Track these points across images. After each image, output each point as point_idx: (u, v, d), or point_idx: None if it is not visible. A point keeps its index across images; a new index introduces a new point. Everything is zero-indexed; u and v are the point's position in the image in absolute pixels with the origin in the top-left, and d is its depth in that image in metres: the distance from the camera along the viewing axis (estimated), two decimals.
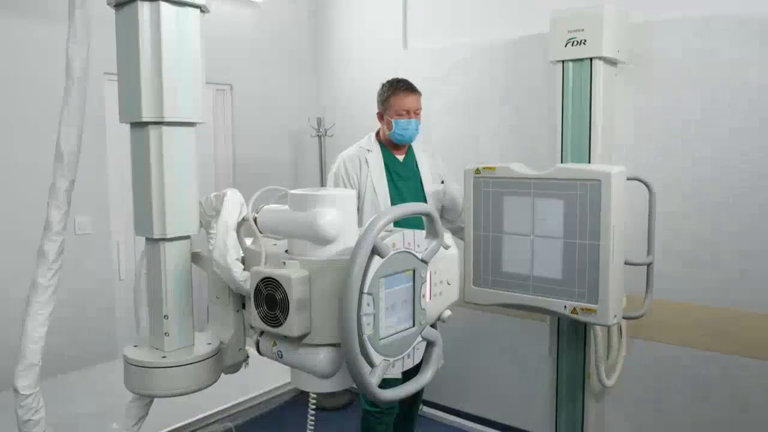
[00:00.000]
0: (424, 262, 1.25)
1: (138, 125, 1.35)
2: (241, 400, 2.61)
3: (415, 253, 1.22)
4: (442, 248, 1.41)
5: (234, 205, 1.35)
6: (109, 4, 1.35)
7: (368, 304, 1.12)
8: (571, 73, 2.89)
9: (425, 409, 3.90)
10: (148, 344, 1.39)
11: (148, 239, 1.39)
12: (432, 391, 3.78)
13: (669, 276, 3.01)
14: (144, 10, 1.29)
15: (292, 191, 1.28)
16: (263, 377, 2.74)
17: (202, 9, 1.38)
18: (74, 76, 1.34)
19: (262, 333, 1.33)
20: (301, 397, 2.88)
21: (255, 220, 1.33)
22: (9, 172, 3.02)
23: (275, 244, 1.35)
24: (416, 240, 1.23)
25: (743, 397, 2.91)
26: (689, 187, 2.97)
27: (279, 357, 1.29)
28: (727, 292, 2.91)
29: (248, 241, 1.37)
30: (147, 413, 1.50)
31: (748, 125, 2.82)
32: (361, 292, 1.10)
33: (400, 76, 2.95)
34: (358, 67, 4.23)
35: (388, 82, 2.90)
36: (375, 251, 1.12)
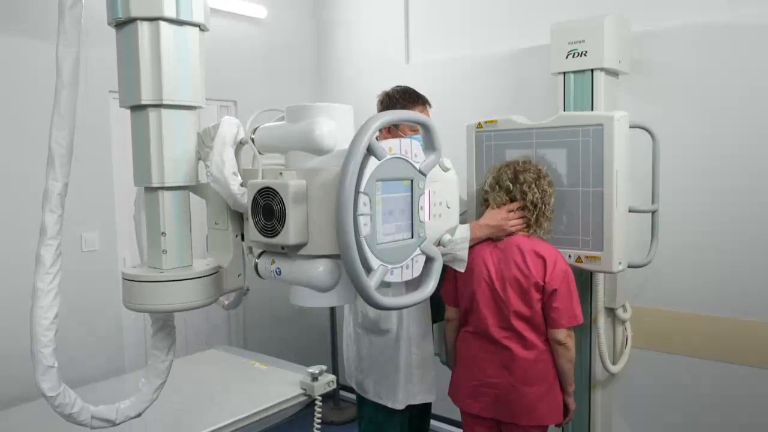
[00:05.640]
0: (422, 173, 1.24)
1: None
2: (245, 415, 2.62)
3: (412, 162, 1.22)
4: (441, 171, 1.41)
5: (231, 126, 1.36)
6: (109, 24, 1.38)
7: (365, 204, 1.12)
8: (572, 85, 2.90)
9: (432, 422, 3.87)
10: (148, 265, 1.39)
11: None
12: None
13: (671, 286, 3.05)
14: (144, 30, 1.31)
15: (289, 105, 1.29)
16: (267, 392, 2.80)
17: (202, 28, 1.40)
18: (64, 79, 1.33)
19: (260, 255, 1.33)
20: (306, 411, 2.86)
21: (253, 141, 1.34)
22: (17, 179, 3.03)
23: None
24: (413, 149, 1.22)
25: (744, 407, 2.93)
26: (693, 196, 2.98)
27: (277, 275, 1.28)
28: (728, 301, 2.93)
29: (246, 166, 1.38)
30: (175, 339, 1.52)
31: (751, 133, 2.83)
32: (357, 192, 1.10)
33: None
34: (361, 82, 4.28)
35: (396, 92, 2.63)
36: (371, 151, 1.12)
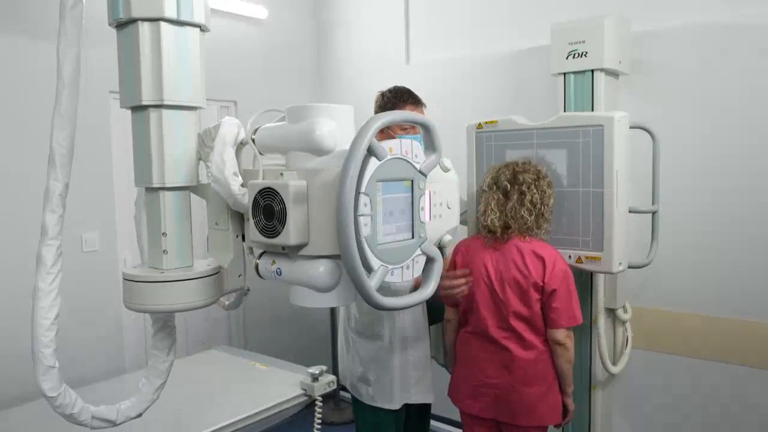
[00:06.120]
0: (423, 174, 1.24)
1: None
2: (245, 415, 2.64)
3: (413, 162, 1.22)
4: (441, 171, 1.41)
5: (231, 126, 1.36)
6: (110, 24, 1.38)
7: (365, 205, 1.12)
8: (572, 85, 2.89)
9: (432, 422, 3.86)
10: (148, 265, 1.39)
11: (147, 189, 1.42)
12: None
13: (671, 286, 3.06)
14: (144, 30, 1.32)
15: (290, 106, 1.29)
16: (268, 392, 2.82)
17: (202, 28, 1.40)
18: (65, 78, 1.32)
19: (261, 255, 1.33)
20: (307, 411, 2.86)
21: (253, 141, 1.34)
22: (17, 179, 3.03)
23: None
24: (414, 149, 1.22)
25: (744, 407, 2.93)
26: (693, 196, 2.98)
27: (278, 275, 1.28)
28: (728, 302, 2.93)
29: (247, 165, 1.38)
30: (175, 340, 1.52)
31: (751, 133, 2.83)
32: (358, 192, 1.10)
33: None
34: (361, 82, 4.27)
35: (389, 91, 2.63)
36: (371, 152, 1.12)
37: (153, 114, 1.35)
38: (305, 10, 4.55)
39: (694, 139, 2.96)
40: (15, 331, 2.25)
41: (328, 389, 2.81)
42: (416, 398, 2.60)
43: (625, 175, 2.31)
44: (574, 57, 2.84)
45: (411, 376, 2.58)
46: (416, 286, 1.28)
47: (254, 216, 1.22)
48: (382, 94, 2.62)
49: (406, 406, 2.64)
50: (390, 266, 1.17)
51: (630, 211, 2.47)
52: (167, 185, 1.38)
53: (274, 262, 1.28)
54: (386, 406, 2.56)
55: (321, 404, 2.69)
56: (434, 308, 2.65)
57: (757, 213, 2.84)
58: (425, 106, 2.61)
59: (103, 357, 3.38)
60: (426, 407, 2.84)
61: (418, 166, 1.23)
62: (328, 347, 4.40)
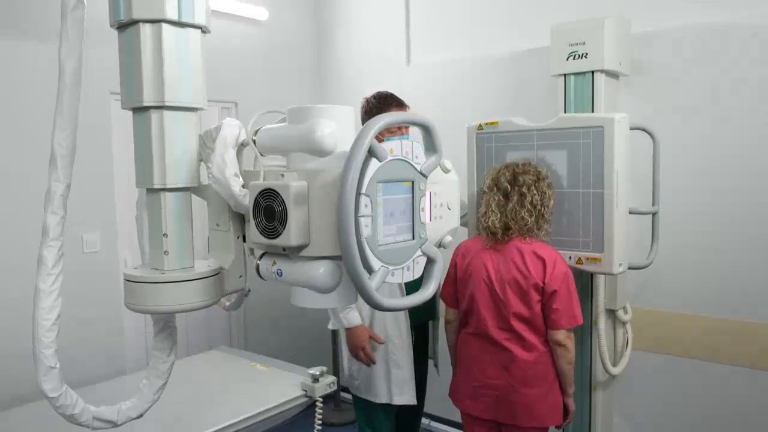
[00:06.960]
0: (423, 175, 1.24)
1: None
2: (245, 416, 2.63)
3: (413, 163, 1.22)
4: (442, 172, 1.41)
5: (232, 127, 1.36)
6: (111, 26, 1.38)
7: (366, 206, 1.12)
8: (572, 87, 2.89)
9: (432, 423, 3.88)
10: (149, 266, 1.39)
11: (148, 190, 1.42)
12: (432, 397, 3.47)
13: (671, 287, 3.06)
14: (146, 32, 1.32)
15: (291, 107, 1.29)
16: (268, 393, 2.82)
17: (203, 29, 1.41)
18: (66, 80, 1.33)
19: (262, 256, 1.33)
20: (307, 412, 2.87)
21: (254, 142, 1.34)
22: (17, 179, 3.02)
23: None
24: (414, 151, 1.22)
25: (745, 408, 2.93)
26: (693, 196, 2.98)
27: (278, 276, 1.28)
28: (728, 302, 2.94)
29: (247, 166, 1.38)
30: (176, 340, 1.52)
31: (751, 133, 2.83)
32: (359, 193, 1.10)
33: (404, 91, 2.84)
34: (361, 82, 4.26)
35: (373, 97, 2.72)
36: (372, 153, 1.12)
37: (154, 115, 1.35)
38: (305, 11, 4.56)
39: (694, 139, 2.96)
40: (15, 331, 2.26)
41: (329, 390, 2.81)
42: (399, 399, 2.64)
43: (625, 175, 2.31)
44: (574, 58, 2.85)
45: (393, 375, 2.63)
46: None
47: (255, 217, 1.22)
48: (367, 100, 2.72)
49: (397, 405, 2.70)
50: (390, 267, 1.17)
51: (630, 213, 2.47)
52: (168, 186, 1.38)
53: (274, 263, 1.28)
54: (369, 398, 2.63)
55: (321, 405, 2.69)
56: (429, 304, 2.70)
57: (757, 213, 2.84)
58: (409, 108, 2.68)
59: (104, 358, 3.38)
60: (417, 408, 2.89)
61: (418, 167, 1.23)
62: (329, 348, 4.40)
